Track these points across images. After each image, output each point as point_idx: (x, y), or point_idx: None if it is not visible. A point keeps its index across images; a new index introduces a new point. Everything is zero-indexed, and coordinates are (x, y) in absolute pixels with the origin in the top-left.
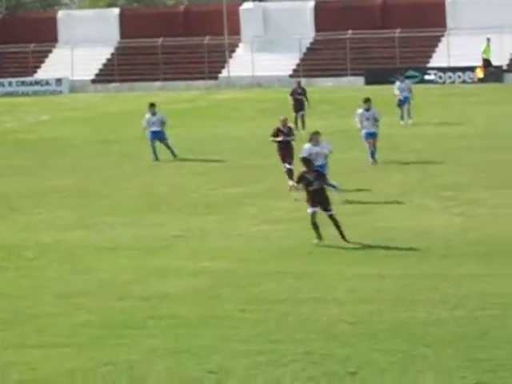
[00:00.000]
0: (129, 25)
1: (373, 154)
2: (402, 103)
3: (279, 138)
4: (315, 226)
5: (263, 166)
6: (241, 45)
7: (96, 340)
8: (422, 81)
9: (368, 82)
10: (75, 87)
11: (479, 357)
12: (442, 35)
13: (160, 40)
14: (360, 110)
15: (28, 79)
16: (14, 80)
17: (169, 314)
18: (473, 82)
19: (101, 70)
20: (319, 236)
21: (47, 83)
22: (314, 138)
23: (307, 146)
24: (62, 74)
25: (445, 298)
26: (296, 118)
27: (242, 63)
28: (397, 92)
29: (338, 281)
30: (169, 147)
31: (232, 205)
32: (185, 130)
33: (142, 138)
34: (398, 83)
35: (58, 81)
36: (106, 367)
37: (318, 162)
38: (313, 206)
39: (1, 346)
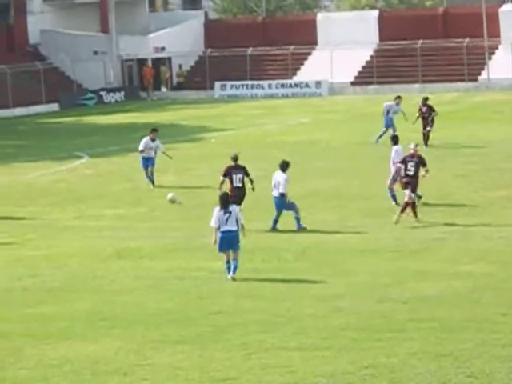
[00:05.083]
0: (388, 27)
1: None
2: None
3: None
4: None
5: None
6: (500, 47)
7: (356, 343)
8: None
9: None
10: (334, 89)
11: None
12: None
13: (419, 42)
14: None
15: (287, 81)
16: (273, 82)
17: (428, 317)
18: None
19: (360, 73)
20: None
21: (307, 85)
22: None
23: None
24: (322, 76)
25: None
26: None
27: (501, 66)
28: None
29: None
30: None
31: (494, 207)
32: (446, 132)
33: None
34: None
35: (318, 83)
36: (366, 370)
37: None
38: None
39: (261, 348)
